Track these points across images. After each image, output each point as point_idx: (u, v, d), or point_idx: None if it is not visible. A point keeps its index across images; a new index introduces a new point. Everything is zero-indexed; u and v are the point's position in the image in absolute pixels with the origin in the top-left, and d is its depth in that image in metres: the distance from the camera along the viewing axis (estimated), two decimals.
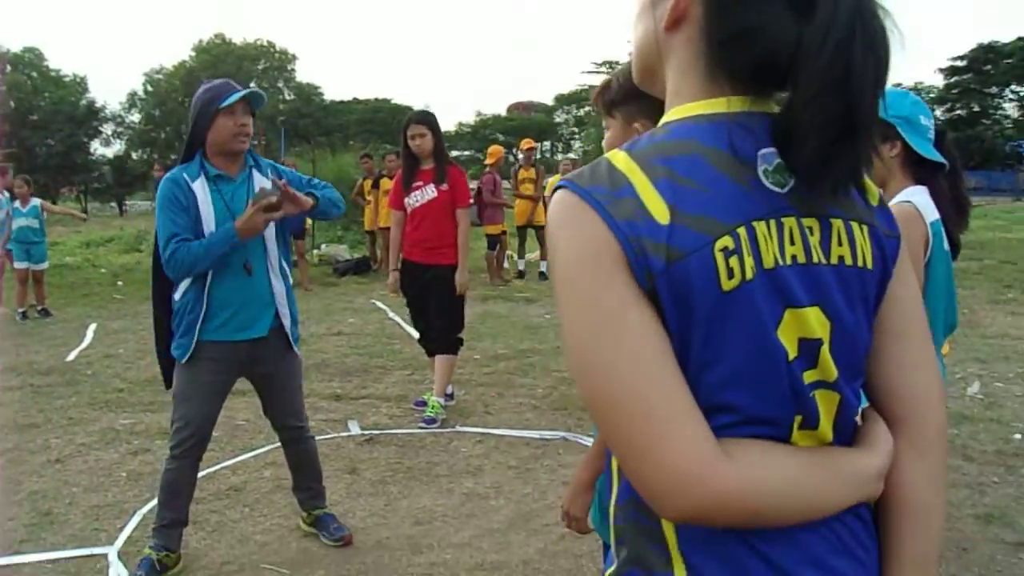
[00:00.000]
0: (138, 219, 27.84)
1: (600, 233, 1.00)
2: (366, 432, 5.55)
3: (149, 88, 58.42)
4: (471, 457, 5.13)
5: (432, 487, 4.66)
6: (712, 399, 1.00)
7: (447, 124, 58.60)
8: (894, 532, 1.12)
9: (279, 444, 4.09)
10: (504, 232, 13.14)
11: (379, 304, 11.09)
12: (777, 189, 1.04)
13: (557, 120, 60.88)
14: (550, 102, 62.64)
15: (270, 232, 3.65)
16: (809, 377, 1.05)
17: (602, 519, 2.17)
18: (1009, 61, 47.73)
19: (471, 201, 6.06)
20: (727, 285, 0.99)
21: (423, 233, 5.77)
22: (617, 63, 42.69)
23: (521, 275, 13.62)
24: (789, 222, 1.04)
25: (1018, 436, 5.34)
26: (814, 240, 1.05)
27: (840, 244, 1.07)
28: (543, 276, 13.30)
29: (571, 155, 56.00)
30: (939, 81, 52.37)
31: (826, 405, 1.07)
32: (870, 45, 1.01)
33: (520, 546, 3.94)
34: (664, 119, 1.12)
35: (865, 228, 1.09)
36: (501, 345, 8.24)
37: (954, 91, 51.01)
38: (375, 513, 4.31)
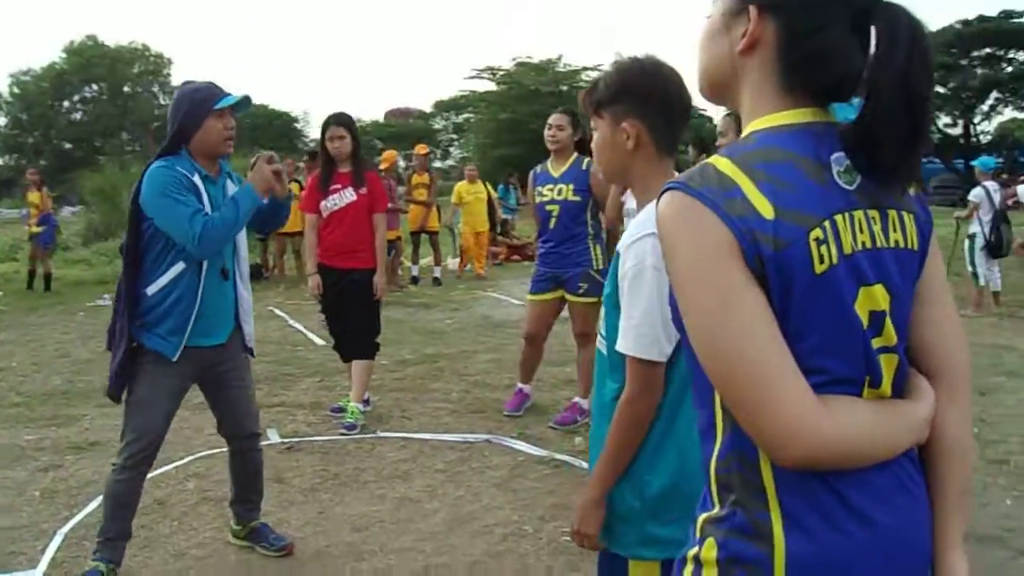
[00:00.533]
0: (7, 228, 26.37)
1: (718, 227, 1.19)
2: (287, 440, 5.43)
3: (16, 91, 55.74)
4: (397, 462, 5.08)
5: (364, 493, 4.59)
6: (805, 364, 1.19)
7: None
8: (938, 469, 1.34)
9: (199, 455, 3.98)
10: (399, 238, 13.05)
11: (277, 311, 10.87)
12: (848, 187, 1.26)
13: (436, 127, 60.95)
14: (428, 109, 62.62)
15: (241, 237, 3.59)
16: (877, 343, 1.27)
17: (604, 529, 2.16)
18: None
19: (389, 205, 6.01)
20: (819, 269, 1.21)
21: (340, 237, 5.69)
22: (500, 69, 42.98)
23: (415, 281, 13.54)
24: (858, 214, 1.25)
25: None
26: (876, 228, 1.27)
27: (895, 230, 1.30)
28: (437, 282, 13.28)
29: (450, 161, 56.03)
30: None
31: (888, 366, 1.30)
32: (924, 65, 1.26)
33: (464, 548, 3.93)
34: (749, 129, 1.32)
35: (911, 216, 1.32)
36: (407, 350, 8.19)
37: None
38: (310, 522, 4.22)
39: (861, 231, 1.25)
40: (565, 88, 42.73)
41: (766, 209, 1.20)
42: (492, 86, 44.22)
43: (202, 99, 3.47)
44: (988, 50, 47.60)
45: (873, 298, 1.26)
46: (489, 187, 14.76)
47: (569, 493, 4.59)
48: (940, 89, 47.48)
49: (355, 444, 5.41)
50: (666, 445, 2.06)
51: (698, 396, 1.37)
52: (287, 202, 3.86)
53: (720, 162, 1.26)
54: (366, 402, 5.94)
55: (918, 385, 1.33)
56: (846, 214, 1.24)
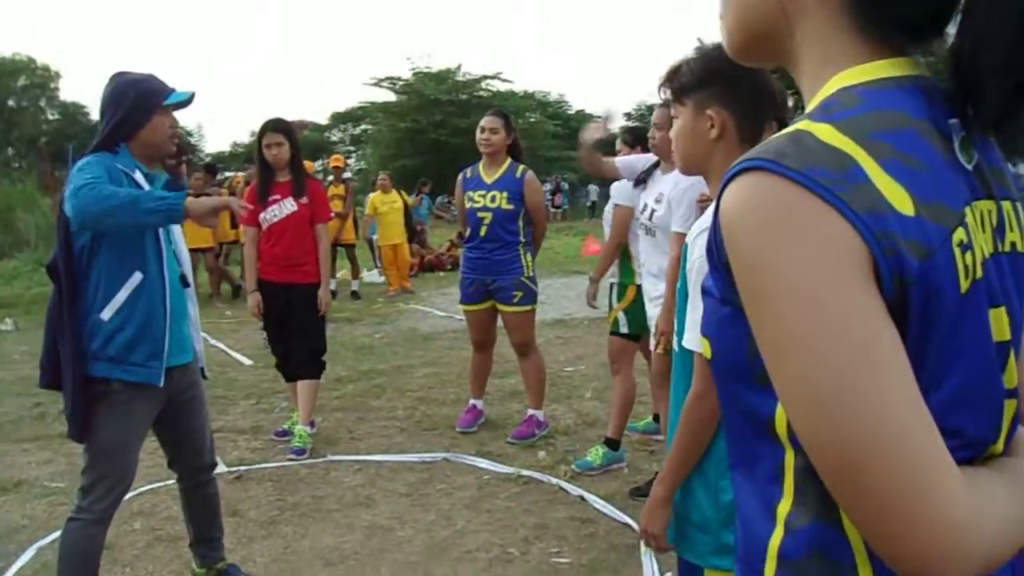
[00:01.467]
0: None
1: (841, 230, 0.79)
2: (234, 469, 5.05)
3: None
4: (357, 487, 4.77)
5: (328, 523, 4.27)
6: (938, 425, 0.81)
7: (221, 144, 56.53)
8: None
9: (140, 490, 3.62)
10: None
11: None
12: (967, 165, 0.89)
13: (333, 138, 60.11)
14: (324, 120, 61.73)
15: (181, 246, 3.23)
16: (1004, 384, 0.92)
17: (679, 535, 2.08)
18: (775, 75, 50.99)
19: (331, 215, 5.69)
20: (964, 286, 0.83)
21: (282, 250, 5.35)
22: (399, 79, 42.55)
23: (333, 295, 13.09)
24: (982, 205, 0.89)
25: None
26: (993, 225, 0.91)
27: (1012, 229, 0.94)
28: (355, 296, 12.89)
29: (347, 173, 55.15)
30: None
31: (1008, 415, 0.94)
32: None
33: None
34: (837, 85, 0.90)
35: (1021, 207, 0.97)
36: (341, 367, 7.83)
37: None
38: (277, 558, 3.89)
39: (983, 230, 0.88)
40: (465, 97, 42.70)
41: (902, 200, 0.81)
42: (391, 96, 43.82)
43: (150, 91, 3.11)
44: None
45: (1000, 323, 0.90)
46: (404, 195, 14.24)
47: (546, 511, 4.38)
48: None
49: (307, 470, 5.07)
50: None
51: (741, 454, 0.99)
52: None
53: (819, 128, 0.84)
54: (311, 424, 5.60)
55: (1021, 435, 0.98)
56: (973, 205, 0.88)
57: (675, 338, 2.14)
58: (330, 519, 4.32)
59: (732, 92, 2.00)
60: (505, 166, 5.62)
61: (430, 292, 13.83)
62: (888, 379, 0.78)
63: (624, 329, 4.99)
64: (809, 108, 0.91)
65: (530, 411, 5.77)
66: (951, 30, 0.91)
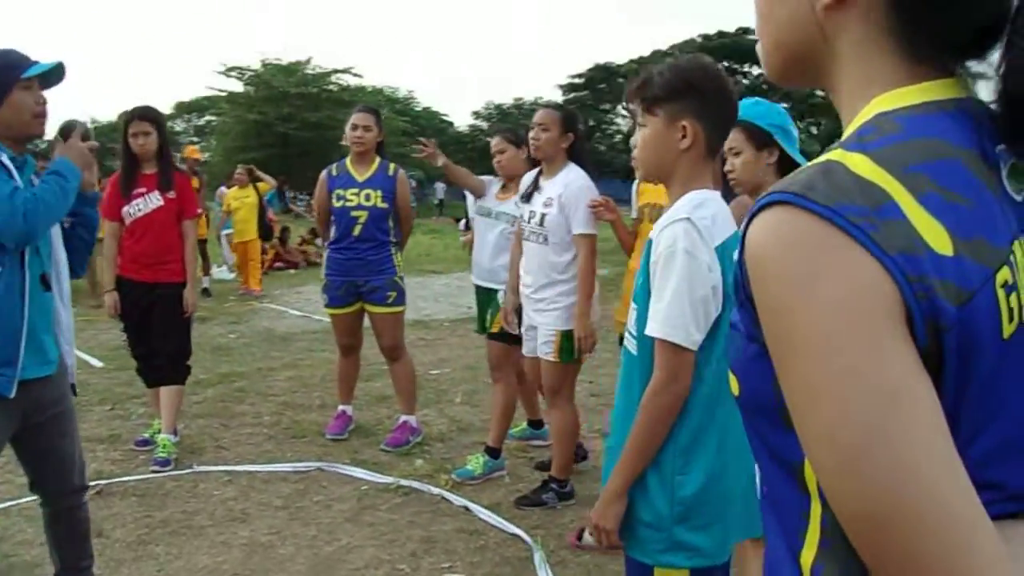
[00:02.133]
0: None
1: (869, 274, 0.73)
2: (94, 484, 4.67)
3: None
4: (229, 501, 4.52)
5: (202, 541, 4.02)
6: (974, 478, 0.74)
7: (52, 134, 53.39)
8: None
9: None
10: None
11: None
12: (1017, 196, 0.83)
13: (177, 129, 57.95)
14: (168, 110, 59.37)
15: (58, 242, 2.92)
16: None
17: (627, 534, 2.09)
18: (622, 80, 52.67)
19: (199, 211, 5.37)
20: (1007, 330, 0.78)
21: (146, 247, 5.01)
22: (248, 70, 41.26)
23: None
24: None
25: None
26: None
27: None
28: (207, 293, 12.34)
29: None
30: (558, 96, 56.66)
31: None
32: None
33: None
34: (876, 109, 0.85)
35: None
36: (199, 370, 7.38)
37: (571, 106, 55.24)
38: None
39: None
40: (314, 91, 41.84)
41: (940, 239, 0.75)
42: (239, 87, 42.48)
43: (4, 66, 2.82)
44: (726, 63, 51.54)
45: None
46: (259, 190, 13.58)
47: (431, 523, 4.26)
48: None
49: (173, 482, 4.77)
50: (700, 444, 2.03)
51: (771, 495, 0.92)
52: (95, 201, 3.26)
53: (854, 160, 0.79)
54: (173, 432, 5.28)
55: None
56: (1021, 240, 0.82)
57: (627, 334, 2.15)
58: (204, 536, 4.06)
59: (705, 105, 2.06)
60: (376, 164, 5.47)
61: (283, 290, 13.43)
62: (918, 431, 0.72)
63: (514, 331, 4.90)
64: (846, 134, 0.86)
65: (403, 417, 5.63)
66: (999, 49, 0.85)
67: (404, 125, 46.61)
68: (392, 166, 5.49)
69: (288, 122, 39.56)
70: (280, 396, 6.69)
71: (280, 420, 6.00)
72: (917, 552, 0.72)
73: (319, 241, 18.03)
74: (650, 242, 2.08)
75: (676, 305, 1.96)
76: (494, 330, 4.99)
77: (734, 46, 50.48)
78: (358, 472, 4.94)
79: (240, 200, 13.00)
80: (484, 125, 60.46)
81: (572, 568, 3.82)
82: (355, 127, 5.39)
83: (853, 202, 0.75)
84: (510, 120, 58.29)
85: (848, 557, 0.80)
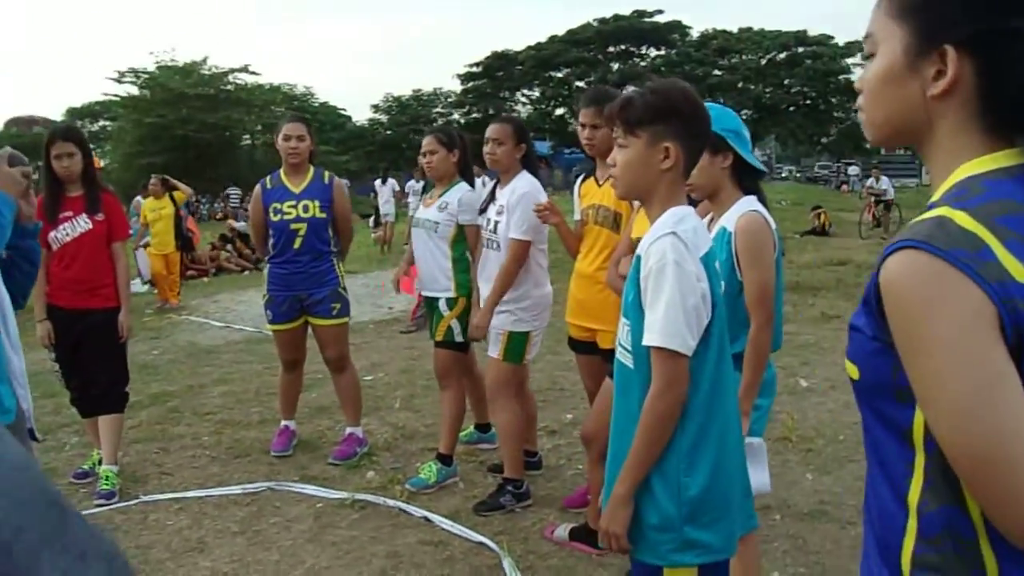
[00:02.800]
0: None
1: (976, 296, 1.06)
2: None
3: None
4: (183, 530, 4.42)
5: None
6: None
7: None
8: None
9: None
10: None
11: None
12: None
13: None
14: (59, 116, 57.30)
15: None
16: None
17: (635, 539, 2.16)
18: (520, 68, 52.92)
19: (130, 232, 5.21)
20: None
21: (76, 273, 4.85)
22: (144, 71, 40.13)
23: None
24: None
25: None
26: None
27: None
28: None
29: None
30: (457, 86, 56.52)
31: None
32: None
33: None
34: (965, 174, 1.18)
35: None
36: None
37: (471, 95, 55.33)
38: None
39: None
40: (212, 91, 40.95)
41: (1020, 272, 1.07)
42: (134, 91, 41.28)
43: None
44: (623, 46, 52.16)
45: None
46: (175, 199, 13.07)
47: (393, 537, 4.25)
48: (580, 83, 51.75)
49: (121, 515, 4.64)
50: (703, 445, 2.10)
51: (878, 457, 1.24)
52: (35, 233, 3.15)
53: (959, 216, 1.11)
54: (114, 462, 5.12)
55: None
56: None
57: (619, 348, 2.23)
58: (163, 571, 3.97)
59: (687, 128, 2.14)
60: (311, 173, 5.39)
61: (200, 300, 13.16)
62: (1014, 400, 1.05)
63: (459, 338, 4.92)
64: (941, 190, 1.20)
65: (348, 429, 5.59)
66: None
67: None
68: (327, 174, 5.42)
69: (187, 124, 38.72)
70: (217, 414, 6.55)
71: (220, 440, 5.88)
72: (1009, 482, 1.04)
73: (230, 247, 17.75)
74: (638, 258, 2.16)
75: (671, 314, 2.04)
76: (439, 338, 4.98)
77: (631, 29, 51.25)
78: (310, 489, 4.89)
79: (157, 212, 12.58)
80: (383, 119, 60.01)
81: (542, 572, 3.86)
82: (288, 138, 5.29)
83: (962, 247, 1.07)
84: (410, 112, 57.99)
85: (946, 494, 1.13)
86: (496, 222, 4.53)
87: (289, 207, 5.29)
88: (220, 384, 7.55)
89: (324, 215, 5.31)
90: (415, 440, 5.80)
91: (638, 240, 3.62)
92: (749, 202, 2.97)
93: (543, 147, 54.96)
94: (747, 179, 3.04)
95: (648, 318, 2.09)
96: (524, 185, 4.51)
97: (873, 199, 21.17)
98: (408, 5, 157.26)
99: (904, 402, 1.15)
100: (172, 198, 12.81)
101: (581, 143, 4.24)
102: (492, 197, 4.67)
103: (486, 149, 4.57)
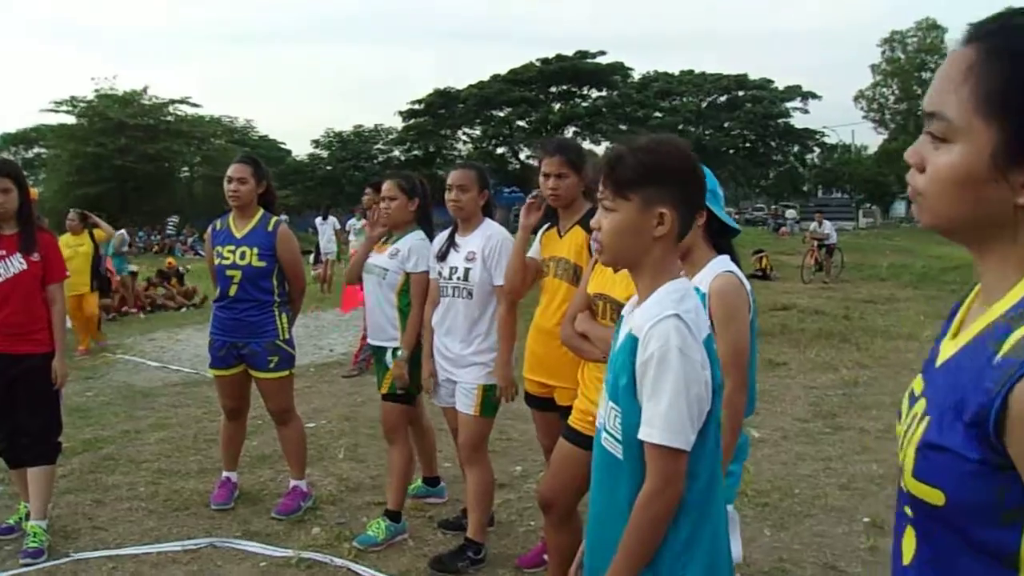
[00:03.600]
0: None
1: None
2: None
3: None
4: None
5: None
6: None
7: None
8: None
9: None
10: None
11: None
12: None
13: None
14: None
15: None
16: None
17: None
18: (462, 106, 53.03)
19: (67, 274, 4.98)
20: None
21: (8, 316, 4.60)
22: (81, 100, 39.40)
23: None
24: None
25: None
26: None
27: None
28: None
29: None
30: (398, 123, 56.48)
31: None
32: None
33: None
34: None
35: None
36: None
37: (412, 132, 55.31)
38: None
39: None
40: (152, 122, 40.40)
41: None
42: (71, 119, 40.60)
43: None
44: (565, 87, 52.71)
45: None
46: (95, 237, 12.31)
47: None
48: (521, 123, 52.12)
49: None
50: (697, 539, 1.98)
51: None
52: None
53: None
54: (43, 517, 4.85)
55: None
56: None
57: (605, 435, 2.08)
58: None
59: (683, 190, 1.99)
60: (256, 218, 5.22)
61: (135, 338, 12.79)
62: None
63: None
64: (1006, 300, 1.11)
65: (293, 482, 5.40)
66: None
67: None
68: (273, 220, 5.25)
69: (125, 154, 38.05)
70: (153, 462, 6.29)
71: (158, 491, 5.64)
72: None
73: (167, 283, 17.32)
74: (633, 340, 1.99)
75: (675, 409, 1.89)
76: (384, 390, 4.84)
77: (573, 70, 51.83)
78: (254, 546, 4.69)
79: (73, 248, 11.48)
80: (324, 154, 59.76)
81: None
82: (229, 179, 5.13)
83: None
84: (351, 148, 57.79)
85: None
86: (467, 269, 4.41)
87: (228, 251, 5.13)
88: (157, 429, 7.28)
89: (262, 264, 5.12)
90: (361, 493, 5.63)
91: (595, 296, 3.55)
92: (723, 262, 2.91)
93: None
94: (720, 238, 2.98)
95: (647, 411, 1.93)
96: (499, 232, 4.47)
97: (816, 243, 21.47)
98: (352, 40, 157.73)
99: (1010, 524, 1.05)
100: (91, 235, 11.97)
101: (544, 192, 4.12)
102: (452, 243, 4.56)
103: (450, 196, 4.48)
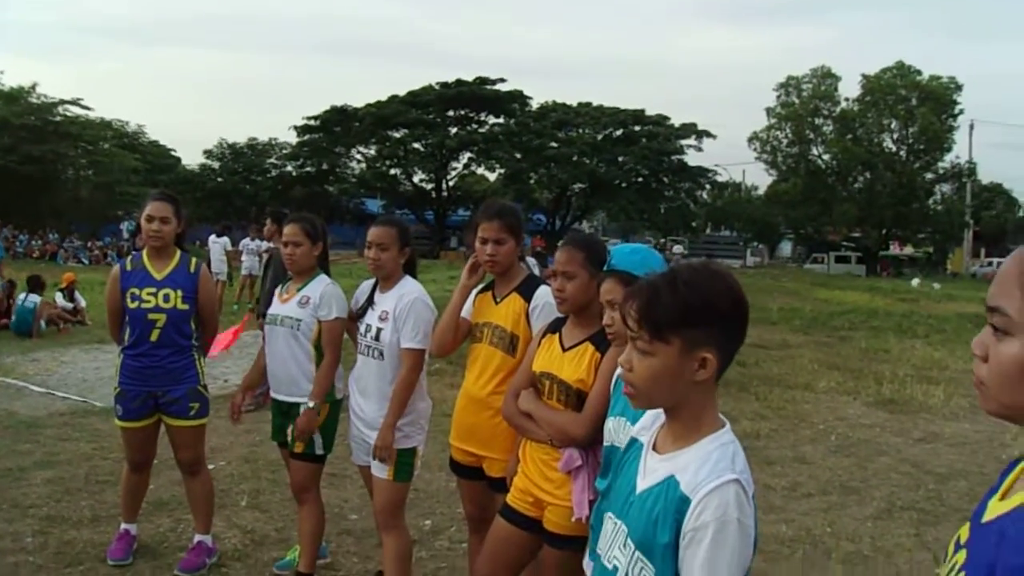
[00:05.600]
0: None
1: None
2: None
3: None
4: None
5: None
6: None
7: None
8: None
9: None
10: None
11: None
12: None
13: None
14: None
15: None
16: None
17: None
18: (358, 124, 52.57)
19: None
20: None
21: None
22: None
23: None
24: None
25: None
26: None
27: None
28: None
29: None
30: (292, 138, 55.63)
31: None
32: None
33: None
34: None
35: None
36: None
37: (306, 148, 54.57)
38: None
39: None
40: (40, 123, 38.82)
41: None
42: None
43: None
44: (464, 111, 52.88)
45: None
46: None
47: None
48: (417, 145, 52.06)
49: None
50: None
51: None
52: None
53: None
54: None
55: None
56: None
57: None
58: None
59: (727, 331, 1.83)
60: (176, 259, 5.00)
61: (16, 358, 12.10)
62: None
63: (320, 451, 4.66)
64: None
65: (197, 536, 5.17)
66: None
67: (136, 163, 44.25)
68: (194, 261, 5.05)
69: (9, 154, 36.42)
70: (41, 507, 5.92)
71: (47, 541, 5.30)
72: None
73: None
74: (683, 499, 1.81)
75: None
76: (298, 450, 4.68)
77: (472, 95, 52.14)
78: None
79: None
80: (215, 164, 58.49)
81: None
82: (151, 219, 4.89)
83: None
84: (243, 160, 56.67)
85: None
86: (379, 329, 4.32)
87: (148, 294, 4.88)
88: (44, 468, 6.86)
89: (186, 306, 4.93)
90: (266, 547, 5.42)
91: (541, 374, 3.49)
92: None
93: (374, 206, 54.79)
94: None
95: None
96: (412, 291, 4.35)
97: None
98: (248, 46, 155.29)
99: None
100: None
101: (480, 258, 4.04)
102: (371, 302, 4.46)
103: (369, 253, 4.38)
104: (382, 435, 4.22)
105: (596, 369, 3.29)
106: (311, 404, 4.57)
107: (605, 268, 3.19)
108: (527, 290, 3.99)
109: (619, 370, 2.67)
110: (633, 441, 2.12)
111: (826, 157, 58.00)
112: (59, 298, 15.78)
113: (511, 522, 3.46)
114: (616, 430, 2.80)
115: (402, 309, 4.27)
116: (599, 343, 3.32)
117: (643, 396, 1.90)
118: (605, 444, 2.91)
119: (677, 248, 49.34)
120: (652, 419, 2.05)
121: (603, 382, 3.19)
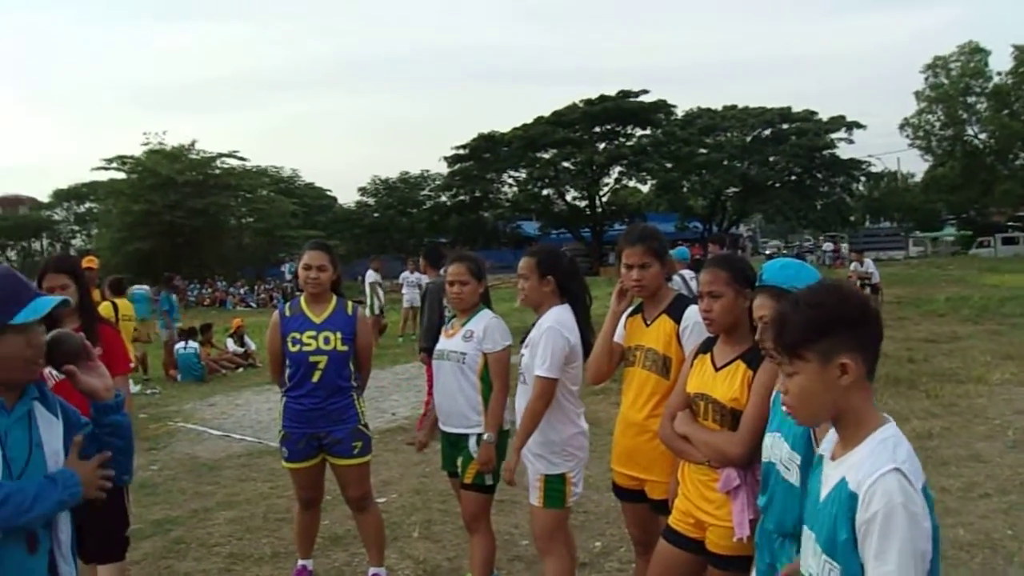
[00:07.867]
0: None
1: None
2: None
3: None
4: None
5: None
6: None
7: None
8: None
9: None
10: None
11: None
12: None
13: (56, 217, 55.94)
14: (45, 198, 57.26)
15: None
16: None
17: None
18: (507, 149, 53.28)
19: (131, 366, 4.88)
20: None
21: None
22: (131, 157, 40.22)
23: None
24: None
25: None
26: None
27: None
28: None
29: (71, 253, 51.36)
30: (444, 168, 56.85)
31: None
32: None
33: None
34: None
35: None
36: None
37: (458, 177, 55.58)
38: None
39: None
40: (201, 177, 41.04)
41: None
42: (121, 175, 41.51)
43: None
44: (609, 126, 52.78)
45: None
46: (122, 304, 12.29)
47: None
48: (566, 164, 52.21)
49: None
50: None
51: None
52: (119, 407, 2.81)
53: None
54: None
55: None
56: None
57: None
58: None
59: (858, 333, 1.94)
60: (334, 303, 5.12)
61: (195, 404, 12.70)
62: None
63: (489, 481, 4.67)
64: None
65: (372, 570, 5.28)
66: None
67: (294, 207, 46.07)
68: (350, 304, 5.17)
69: (175, 210, 38.66)
70: (225, 546, 6.16)
71: None
72: None
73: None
74: (852, 495, 1.93)
75: (905, 569, 1.84)
76: (467, 480, 4.68)
77: (616, 109, 51.98)
78: None
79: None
80: (371, 201, 60.35)
81: None
82: (308, 267, 5.03)
83: None
84: (397, 194, 58.23)
85: None
86: (522, 355, 4.39)
87: (309, 338, 5.00)
88: (226, 508, 7.15)
89: (346, 348, 5.04)
90: None
91: (695, 395, 3.40)
92: None
93: (531, 228, 55.15)
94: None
95: (877, 570, 1.87)
96: (548, 319, 4.32)
97: (859, 282, 20.99)
98: (395, 87, 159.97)
99: None
100: (116, 305, 12.14)
101: (626, 284, 4.00)
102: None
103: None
104: (509, 458, 4.31)
105: (749, 387, 3.22)
106: (487, 437, 4.58)
107: (757, 284, 3.15)
108: (676, 311, 3.94)
109: (778, 385, 2.72)
110: (820, 458, 2.19)
111: (983, 136, 55.34)
112: (230, 343, 16.52)
113: (674, 544, 3.43)
114: (772, 446, 2.80)
115: (535, 336, 4.31)
116: (751, 360, 3.25)
117: (803, 413, 2.05)
118: (764, 461, 2.88)
119: (827, 245, 47.70)
120: (833, 434, 2.12)
121: (757, 400, 3.14)
